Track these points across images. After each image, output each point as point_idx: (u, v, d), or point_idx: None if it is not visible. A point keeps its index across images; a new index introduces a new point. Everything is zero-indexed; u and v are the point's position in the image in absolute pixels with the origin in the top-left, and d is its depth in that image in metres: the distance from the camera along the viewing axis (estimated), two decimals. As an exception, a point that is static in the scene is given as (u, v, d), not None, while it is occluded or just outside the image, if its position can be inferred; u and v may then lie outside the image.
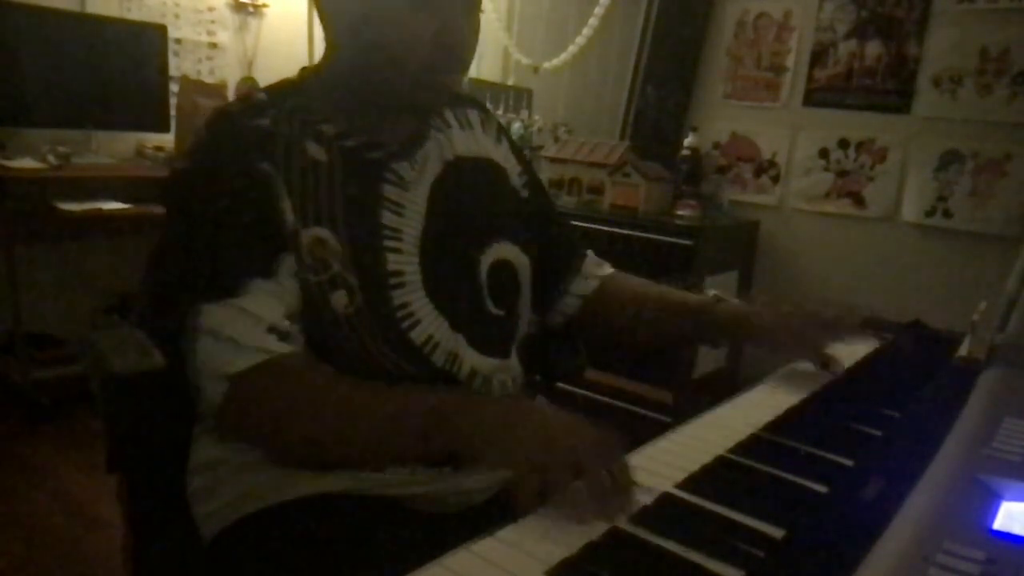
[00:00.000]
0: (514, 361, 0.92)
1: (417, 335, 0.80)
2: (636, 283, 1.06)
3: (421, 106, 0.85)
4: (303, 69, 0.87)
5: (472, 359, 0.84)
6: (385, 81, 0.79)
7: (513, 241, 0.92)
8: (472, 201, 0.89)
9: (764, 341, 0.96)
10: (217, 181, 0.75)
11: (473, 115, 0.96)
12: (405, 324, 0.80)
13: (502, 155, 0.97)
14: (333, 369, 0.77)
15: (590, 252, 1.07)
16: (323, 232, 0.77)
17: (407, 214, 0.83)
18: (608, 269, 1.08)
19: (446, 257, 0.84)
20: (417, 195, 0.84)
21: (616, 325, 1.04)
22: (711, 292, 1.01)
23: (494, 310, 0.88)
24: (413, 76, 0.78)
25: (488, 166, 0.94)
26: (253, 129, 0.77)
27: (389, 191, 0.82)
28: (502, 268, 0.90)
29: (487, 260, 0.88)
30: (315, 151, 0.79)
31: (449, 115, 0.92)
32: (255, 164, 0.75)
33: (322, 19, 0.83)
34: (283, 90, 0.83)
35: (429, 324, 0.81)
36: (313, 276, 0.76)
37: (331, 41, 0.84)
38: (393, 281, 0.80)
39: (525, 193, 0.98)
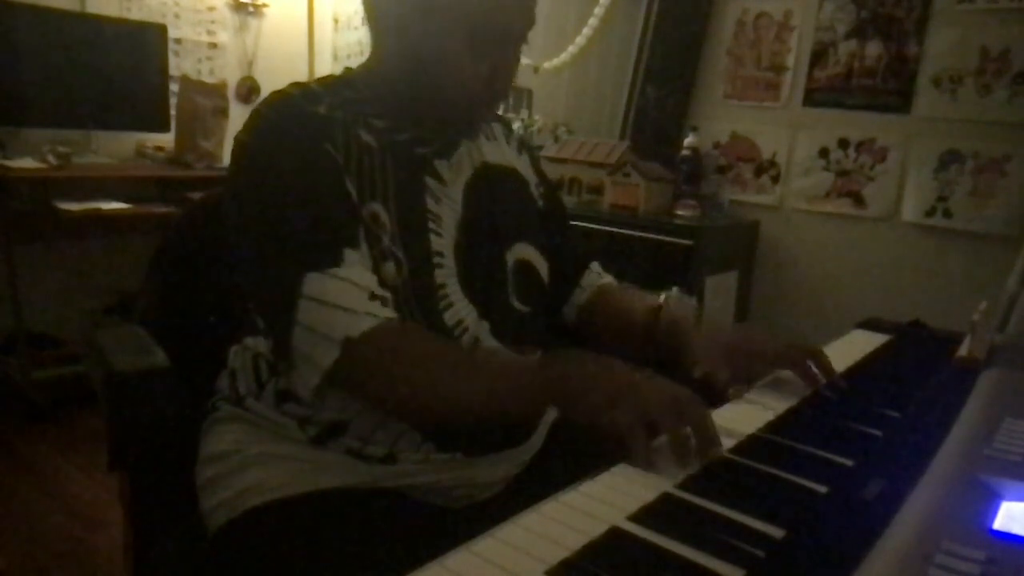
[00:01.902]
0: (531, 356, 0.95)
1: (449, 317, 0.84)
2: (616, 295, 1.06)
3: (459, 134, 0.90)
4: (347, 69, 0.91)
5: (493, 347, 0.88)
6: (430, 109, 0.84)
7: (534, 245, 0.97)
8: (499, 204, 0.94)
9: (688, 352, 0.91)
10: (294, 159, 0.78)
11: (497, 129, 1.02)
12: (441, 304, 0.84)
13: (523, 167, 1.03)
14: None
15: (594, 263, 1.11)
16: (377, 207, 0.81)
17: (445, 205, 0.87)
18: (605, 279, 1.10)
19: (477, 250, 0.89)
20: (453, 191, 0.89)
21: (605, 337, 1.07)
22: (666, 293, 0.99)
23: (518, 305, 0.92)
24: (458, 112, 0.83)
25: (511, 175, 1.00)
26: (313, 114, 0.80)
27: (431, 183, 0.87)
28: (525, 268, 0.95)
29: (512, 258, 0.93)
30: (367, 138, 0.83)
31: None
32: (322, 145, 0.79)
33: (372, 32, 0.87)
34: (333, 84, 0.87)
35: (460, 308, 0.85)
36: (367, 248, 0.80)
37: (379, 53, 0.87)
38: (435, 261, 0.84)
39: (542, 203, 1.04)
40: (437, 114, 0.84)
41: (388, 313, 0.75)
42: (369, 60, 0.89)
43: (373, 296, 0.75)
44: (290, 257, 0.75)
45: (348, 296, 0.74)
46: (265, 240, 0.77)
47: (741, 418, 0.81)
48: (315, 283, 0.73)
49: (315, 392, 0.76)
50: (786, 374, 0.93)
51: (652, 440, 0.68)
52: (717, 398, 0.85)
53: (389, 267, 0.80)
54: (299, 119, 0.79)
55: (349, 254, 0.76)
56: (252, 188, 0.79)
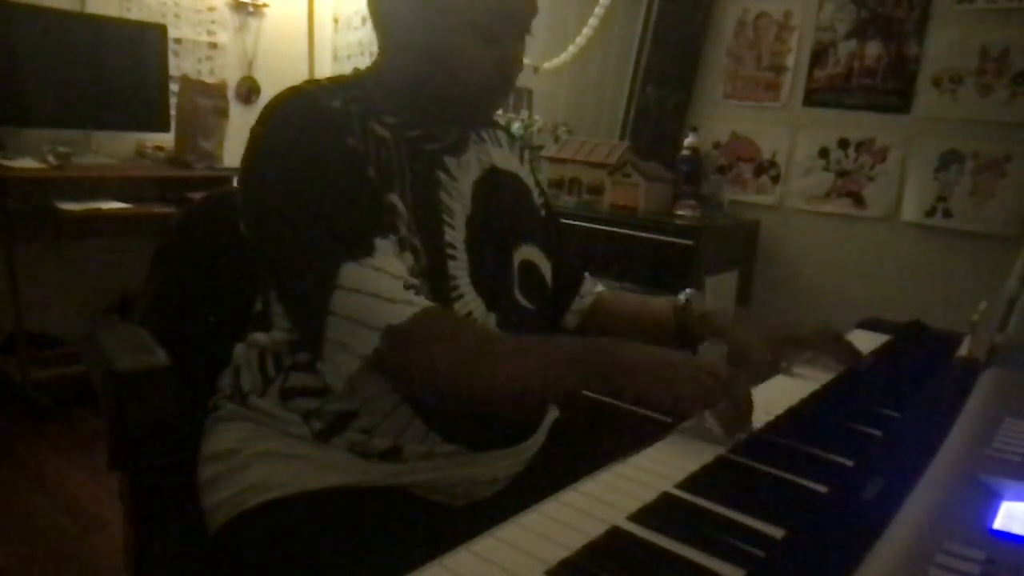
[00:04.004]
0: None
1: (459, 307, 0.85)
2: (623, 298, 1.14)
3: (475, 123, 0.93)
4: (356, 70, 0.92)
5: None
6: (444, 101, 0.85)
7: (539, 247, 0.99)
8: (506, 205, 0.95)
9: (727, 340, 1.01)
10: (318, 151, 0.78)
11: (501, 136, 1.03)
12: (452, 295, 0.85)
13: (525, 174, 1.05)
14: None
15: (587, 274, 1.15)
16: (394, 198, 0.81)
17: (456, 199, 0.88)
18: (600, 287, 1.15)
19: (486, 246, 0.90)
20: (463, 187, 0.90)
21: (621, 335, 1.10)
22: (684, 292, 1.06)
23: (523, 302, 0.94)
24: (473, 100, 0.85)
25: (517, 181, 1.02)
26: (330, 108, 0.81)
27: (442, 177, 0.88)
28: (531, 267, 0.96)
29: (519, 257, 0.95)
30: (381, 131, 0.84)
31: (482, 131, 0.99)
32: (343, 137, 0.79)
33: (379, 32, 0.88)
34: (344, 82, 0.88)
35: (469, 300, 0.86)
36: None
37: (387, 52, 0.88)
38: (449, 252, 0.85)
39: (543, 213, 1.06)
40: (452, 106, 0.86)
41: (424, 302, 0.76)
42: (377, 61, 0.90)
43: (408, 285, 0.76)
44: (323, 248, 0.75)
45: (384, 285, 0.74)
46: (295, 231, 0.77)
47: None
48: (350, 273, 0.74)
49: (349, 380, 0.76)
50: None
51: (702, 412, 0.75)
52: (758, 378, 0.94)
53: (407, 257, 0.80)
54: (317, 113, 0.80)
55: (380, 242, 0.76)
56: (277, 181, 0.79)
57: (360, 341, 0.74)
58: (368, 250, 0.75)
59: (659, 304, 1.08)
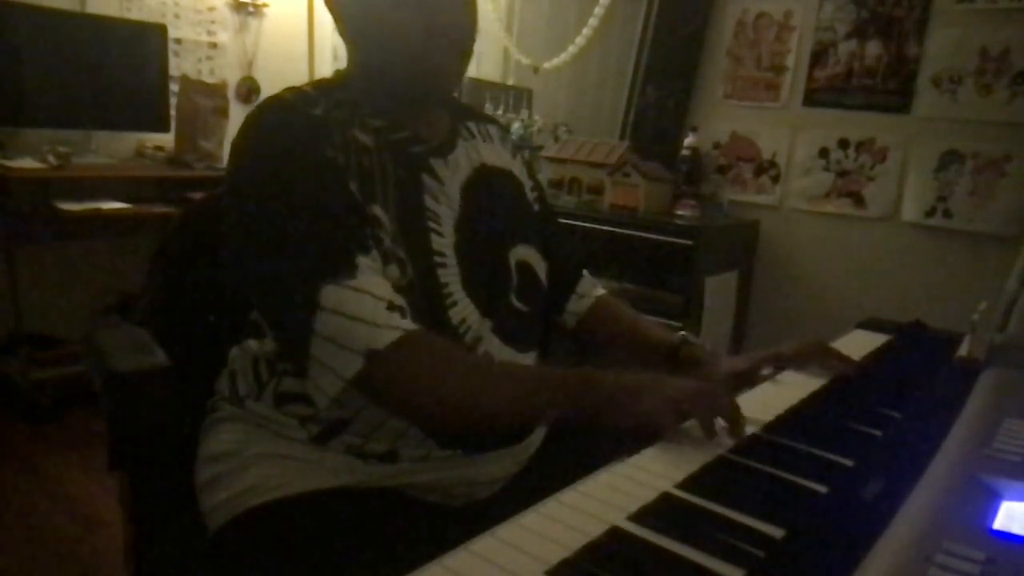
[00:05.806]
0: (532, 356, 0.96)
1: (454, 315, 0.84)
2: (622, 312, 1.12)
3: (433, 94, 0.89)
4: (336, 71, 0.92)
5: (496, 347, 0.88)
6: (390, 74, 0.84)
7: (533, 246, 0.97)
8: (497, 205, 0.94)
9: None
10: (298, 166, 0.77)
11: (493, 131, 1.02)
12: (447, 303, 0.84)
13: (518, 169, 1.03)
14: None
15: (586, 272, 1.14)
16: (377, 210, 0.80)
17: (443, 203, 0.87)
18: (600, 290, 1.13)
19: (478, 249, 0.89)
20: (451, 190, 0.89)
21: (601, 345, 1.12)
22: (680, 333, 1.04)
23: (518, 305, 0.93)
24: (410, 66, 0.82)
25: (508, 177, 1.00)
26: (312, 117, 0.80)
27: (428, 181, 0.87)
28: (526, 268, 0.95)
29: (514, 258, 0.94)
30: (364, 138, 0.83)
31: (472, 127, 0.98)
32: (324, 150, 0.79)
33: (340, 32, 0.89)
34: (325, 86, 0.87)
35: (464, 308, 0.86)
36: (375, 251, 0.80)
37: (352, 52, 0.89)
38: (437, 260, 0.84)
39: (537, 207, 1.04)
40: (407, 85, 0.84)
41: (408, 324, 0.75)
42: (347, 62, 0.90)
43: (392, 307, 0.75)
44: (304, 269, 0.74)
45: (367, 308, 0.73)
46: (276, 251, 0.76)
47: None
48: (332, 295, 0.73)
49: (332, 401, 0.76)
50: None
51: (681, 423, 0.74)
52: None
53: (392, 269, 0.79)
54: (297, 124, 0.79)
55: (362, 261, 0.75)
56: (258, 197, 0.78)
57: (343, 363, 0.73)
58: (350, 271, 0.74)
59: (656, 332, 1.06)
